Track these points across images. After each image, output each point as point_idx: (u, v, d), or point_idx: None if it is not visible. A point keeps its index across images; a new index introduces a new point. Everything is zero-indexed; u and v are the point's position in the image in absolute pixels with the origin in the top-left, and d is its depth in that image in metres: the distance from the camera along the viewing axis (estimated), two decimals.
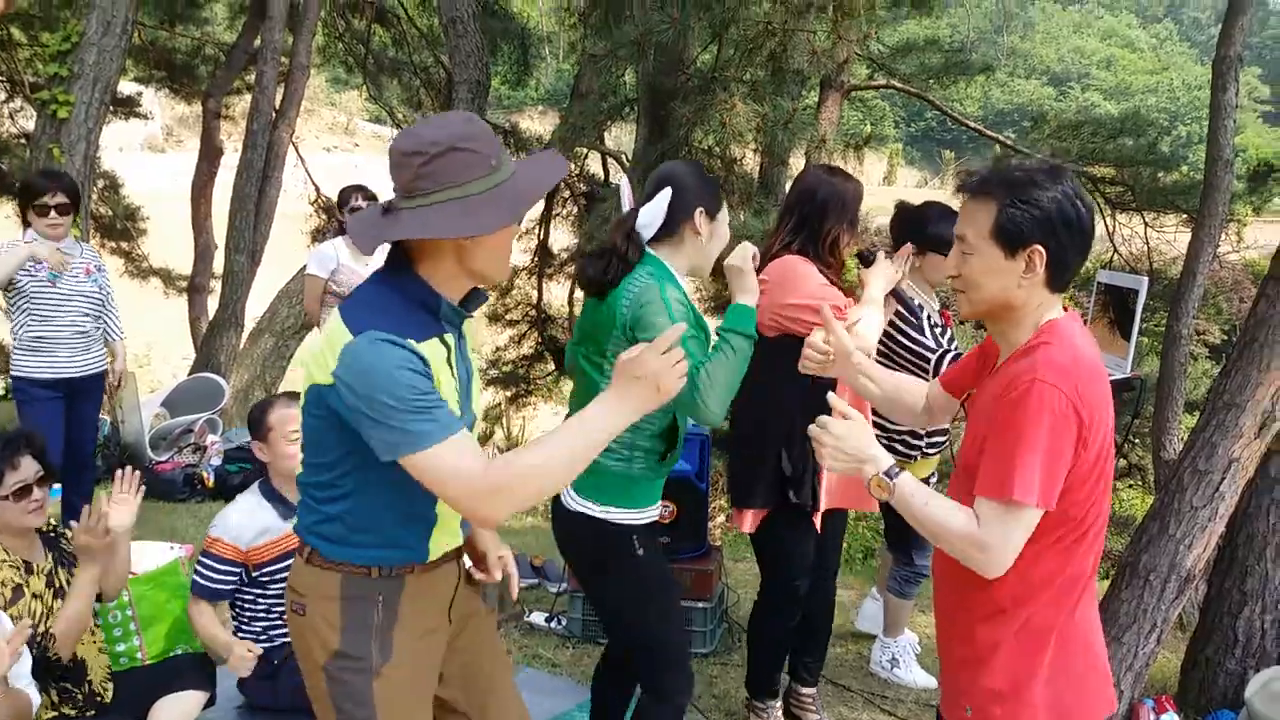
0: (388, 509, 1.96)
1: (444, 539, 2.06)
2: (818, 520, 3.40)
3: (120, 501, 3.04)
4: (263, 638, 3.26)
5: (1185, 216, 8.60)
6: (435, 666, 2.13)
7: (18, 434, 3.07)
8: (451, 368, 1.94)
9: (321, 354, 1.89)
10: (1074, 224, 1.88)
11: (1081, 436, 1.84)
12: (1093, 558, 1.98)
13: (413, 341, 1.83)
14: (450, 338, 1.94)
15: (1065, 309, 2.00)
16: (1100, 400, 1.87)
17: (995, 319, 2.00)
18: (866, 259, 3.35)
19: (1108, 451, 1.92)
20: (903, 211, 3.86)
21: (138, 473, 3.12)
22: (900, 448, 3.72)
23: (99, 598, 3.21)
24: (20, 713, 2.67)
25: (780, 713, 3.67)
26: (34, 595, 2.88)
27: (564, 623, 4.47)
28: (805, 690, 3.73)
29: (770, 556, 3.47)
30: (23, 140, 11.53)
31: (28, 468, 2.95)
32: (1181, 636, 4.49)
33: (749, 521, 3.41)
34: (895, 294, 3.59)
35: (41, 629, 2.83)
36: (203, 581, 3.15)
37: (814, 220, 3.27)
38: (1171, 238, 9.18)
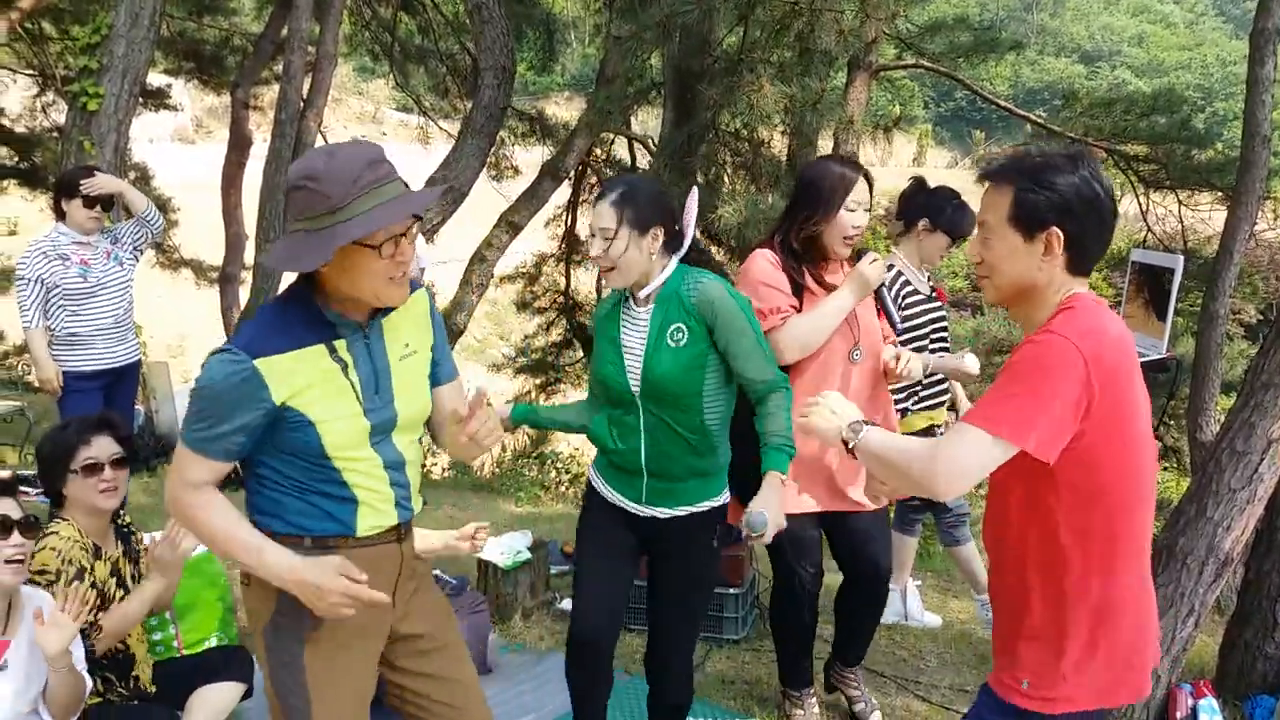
0: (294, 487, 2.16)
1: (372, 518, 2.20)
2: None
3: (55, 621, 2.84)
4: None
5: (1220, 194, 8.47)
6: (371, 639, 2.26)
7: (100, 415, 3.17)
8: (347, 367, 2.13)
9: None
10: (1091, 207, 1.92)
11: (1089, 391, 1.85)
12: (1134, 524, 1.98)
13: (267, 358, 2.04)
14: (343, 341, 2.14)
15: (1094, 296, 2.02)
16: (1120, 368, 1.89)
17: (1018, 303, 2.04)
18: (856, 256, 3.29)
19: (1131, 418, 1.92)
20: (914, 187, 4.11)
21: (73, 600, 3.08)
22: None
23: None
24: (79, 694, 2.72)
25: (815, 702, 3.66)
26: (92, 584, 2.92)
27: None
28: (848, 670, 3.72)
29: (770, 549, 3.46)
30: (55, 134, 11.65)
31: (103, 447, 3.02)
32: (1220, 620, 4.44)
33: (735, 513, 3.31)
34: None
35: (91, 618, 2.86)
36: None
37: (793, 209, 3.31)
38: (1207, 216, 9.04)
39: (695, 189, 3.03)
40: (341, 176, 2.01)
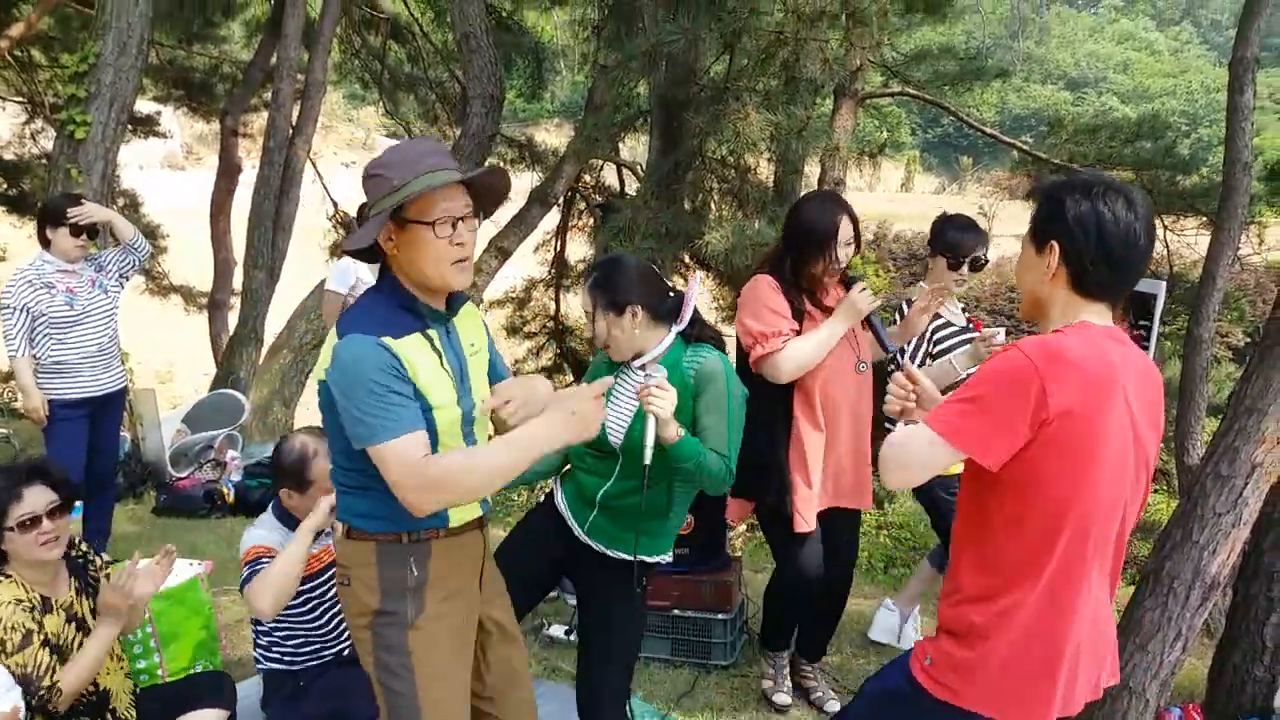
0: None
1: (462, 511, 2.31)
2: (804, 518, 3.62)
3: (146, 573, 2.97)
4: (288, 658, 3.26)
5: (1205, 219, 8.53)
6: (468, 621, 2.39)
7: (26, 464, 3.01)
8: (440, 357, 2.23)
9: (324, 357, 2.20)
10: (1094, 227, 1.97)
11: (1041, 411, 1.91)
12: (1072, 548, 2.01)
13: (389, 339, 2.12)
14: (434, 332, 2.24)
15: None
16: (1089, 399, 1.93)
17: (1035, 318, 2.13)
18: (847, 284, 3.62)
19: (1090, 451, 1.95)
20: (935, 220, 4.21)
21: (173, 550, 3.10)
22: None
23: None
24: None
25: (787, 668, 4.05)
26: (44, 641, 2.82)
27: None
28: (805, 665, 4.07)
29: (770, 544, 3.89)
30: (44, 161, 11.65)
31: (37, 498, 2.89)
32: (1209, 644, 4.43)
33: (732, 510, 3.90)
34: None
35: (47, 682, 2.77)
36: (260, 569, 3.06)
37: (789, 247, 3.66)
38: (1192, 240, 9.10)
39: (697, 278, 3.22)
40: (402, 162, 2.15)
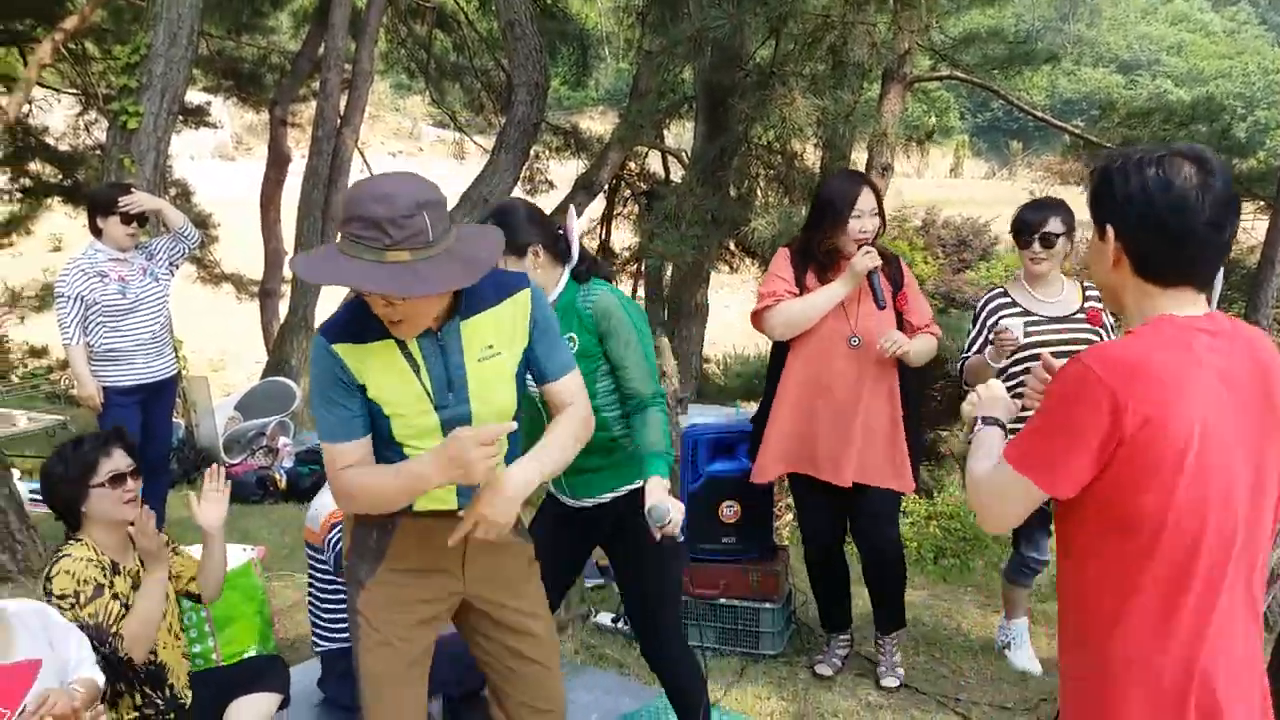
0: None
1: (427, 501, 2.33)
2: (757, 473, 3.87)
3: (210, 499, 3.16)
4: (340, 632, 3.30)
5: (1262, 204, 8.34)
6: (429, 600, 2.42)
7: (111, 430, 3.22)
8: (419, 367, 2.23)
9: None
10: (1143, 202, 1.75)
11: (1116, 428, 1.68)
12: (1165, 580, 1.74)
13: (342, 345, 2.19)
14: (414, 343, 2.22)
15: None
16: (1166, 399, 1.68)
17: (1115, 310, 1.95)
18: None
19: (1175, 461, 1.70)
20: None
21: (223, 469, 3.21)
22: None
23: (198, 598, 3.28)
24: (91, 696, 2.72)
25: (841, 648, 4.15)
26: (114, 595, 2.93)
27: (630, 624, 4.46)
28: (879, 638, 4.10)
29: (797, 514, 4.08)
30: (97, 151, 11.84)
31: (121, 459, 3.06)
32: (1269, 637, 4.34)
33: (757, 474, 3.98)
34: None
35: (115, 627, 2.88)
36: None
37: (811, 223, 3.81)
38: (1249, 226, 8.90)
39: (572, 208, 3.17)
40: (350, 202, 2.06)
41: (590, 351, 2.86)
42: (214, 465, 3.20)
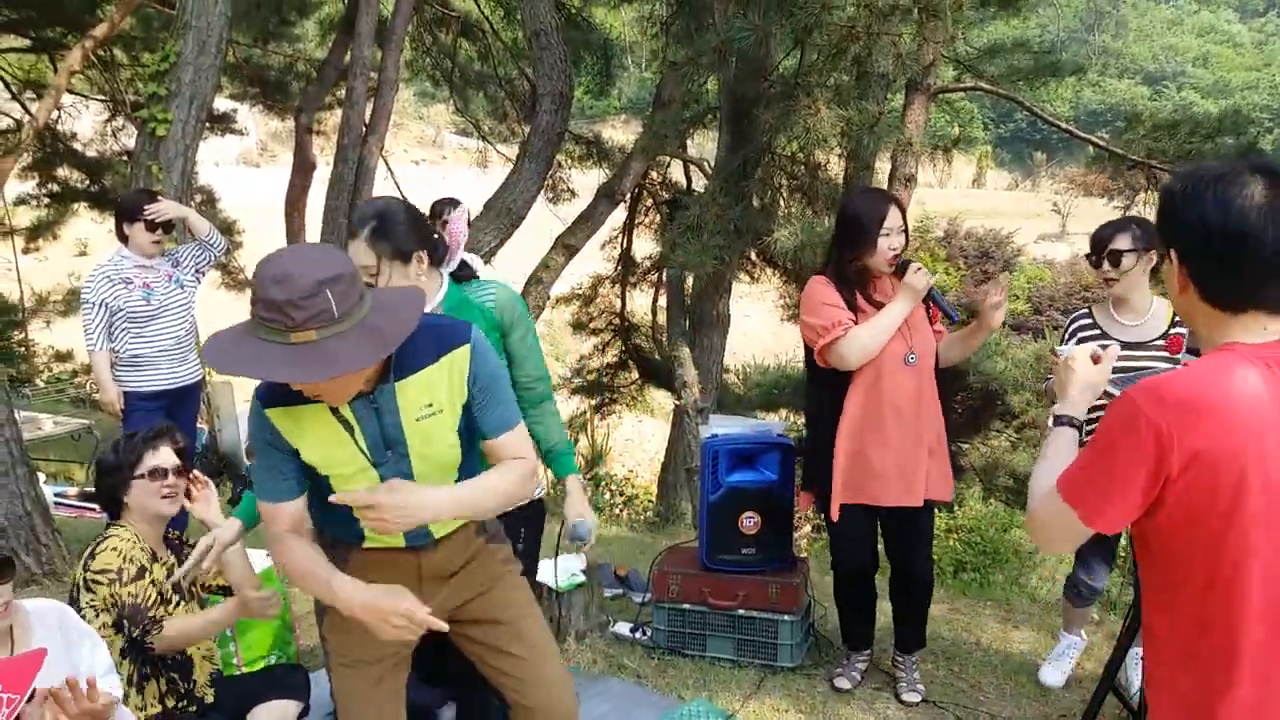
0: (320, 504, 2.30)
1: (378, 540, 2.38)
2: (834, 510, 3.77)
3: (199, 500, 3.17)
4: None
5: None
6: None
7: (166, 426, 3.30)
8: (353, 429, 2.22)
9: None
10: (1200, 225, 1.67)
11: (1164, 464, 1.61)
12: (1233, 621, 1.66)
13: (274, 409, 2.20)
14: (345, 407, 2.20)
15: None
16: (1214, 435, 1.60)
17: (1195, 333, 1.82)
18: (901, 269, 3.67)
19: (1235, 504, 1.61)
20: None
21: (204, 481, 3.24)
22: None
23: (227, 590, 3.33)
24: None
25: (861, 665, 4.15)
26: (151, 581, 3.03)
27: (649, 633, 4.45)
28: (899, 656, 4.10)
29: (829, 534, 4.00)
30: (124, 158, 11.95)
31: (168, 456, 3.17)
32: None
33: (802, 501, 4.03)
34: None
35: (153, 614, 2.95)
36: None
37: (839, 244, 3.78)
38: None
39: (460, 208, 3.10)
40: (253, 282, 2.04)
41: (498, 347, 2.87)
42: (192, 473, 3.22)
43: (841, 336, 3.62)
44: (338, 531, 2.37)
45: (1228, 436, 1.60)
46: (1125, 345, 3.64)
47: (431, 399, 2.26)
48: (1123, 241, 3.68)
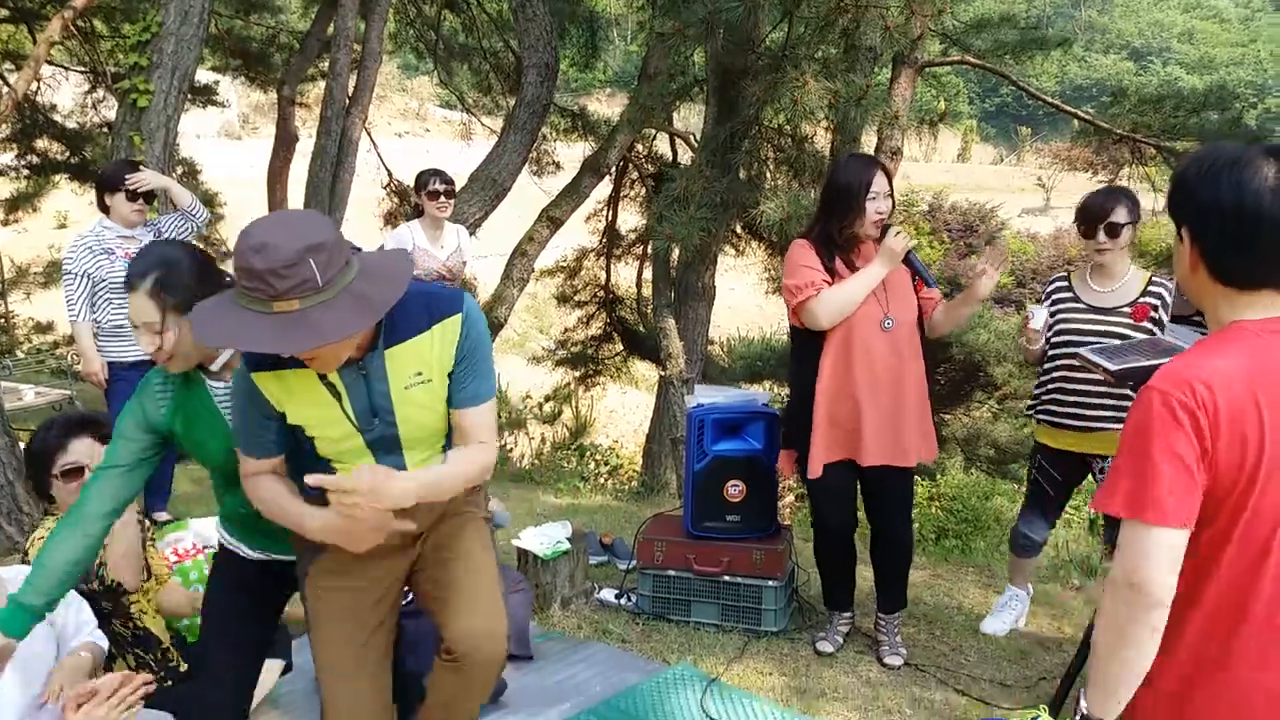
0: (302, 467, 2.31)
1: None
2: (812, 468, 3.82)
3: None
4: None
5: None
6: (365, 581, 2.45)
7: (79, 416, 3.12)
8: (340, 396, 2.22)
9: None
10: (1214, 207, 1.70)
11: (1203, 442, 1.65)
12: (1266, 602, 1.71)
13: (260, 374, 2.20)
14: (334, 373, 2.20)
15: None
16: (1248, 402, 1.65)
17: (1202, 311, 1.85)
18: (883, 232, 3.75)
19: (1252, 472, 1.67)
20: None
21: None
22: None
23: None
24: (97, 662, 2.76)
25: (843, 627, 4.22)
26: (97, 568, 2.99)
27: (634, 599, 4.50)
28: (881, 617, 4.15)
29: (809, 494, 4.04)
30: (105, 129, 11.84)
31: (82, 450, 2.99)
32: None
33: (782, 461, 4.07)
34: None
35: (98, 561, 2.95)
36: None
37: (825, 209, 3.82)
38: None
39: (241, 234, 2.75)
40: (234, 252, 2.00)
41: None
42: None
43: (813, 296, 3.70)
44: (316, 494, 2.29)
45: (1250, 403, 1.65)
46: (1095, 310, 3.87)
47: (421, 367, 2.26)
48: (1120, 214, 3.80)
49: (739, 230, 9.81)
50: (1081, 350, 3.14)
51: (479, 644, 2.40)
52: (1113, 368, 2.96)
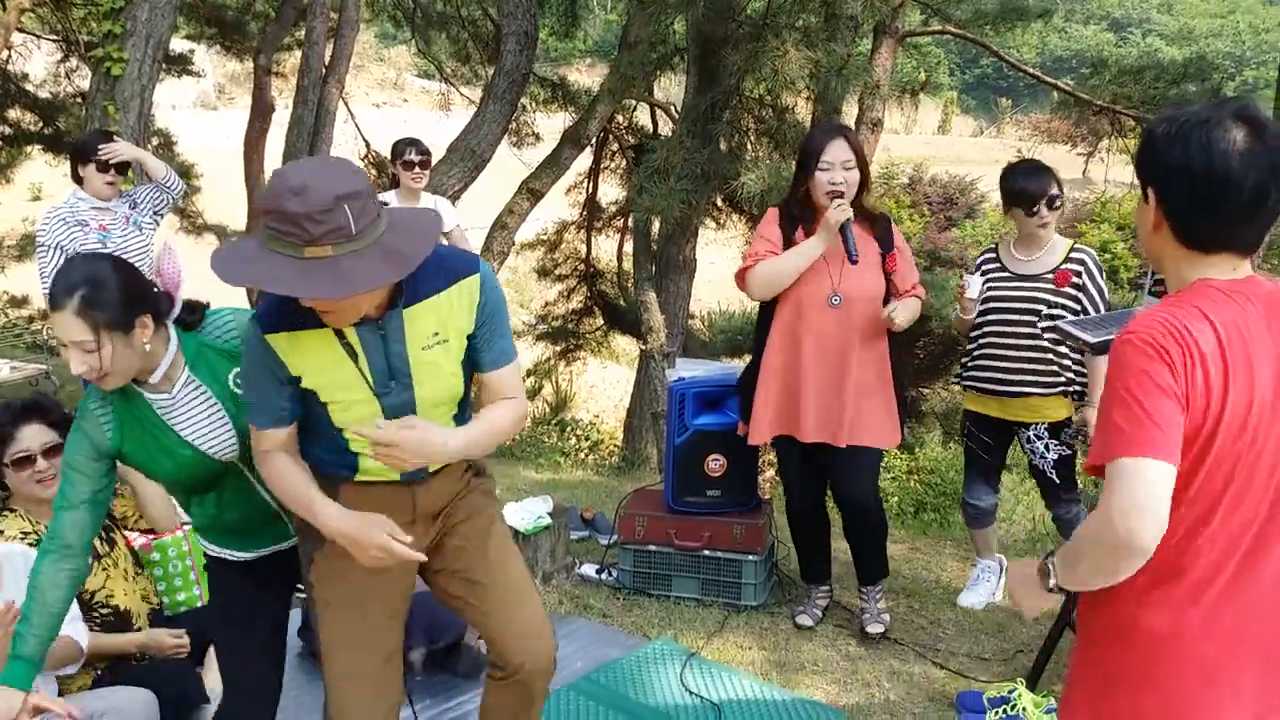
0: (314, 436, 2.29)
1: (373, 473, 2.31)
2: (752, 435, 3.88)
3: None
4: None
5: None
6: (383, 574, 2.34)
7: (22, 402, 3.05)
8: (357, 356, 2.17)
9: None
10: (1184, 168, 1.69)
11: (1176, 376, 1.64)
12: (1215, 556, 1.72)
13: (275, 334, 2.14)
14: (352, 331, 2.15)
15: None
16: (1216, 355, 1.66)
17: (1158, 270, 1.85)
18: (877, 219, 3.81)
19: (1234, 421, 1.66)
20: (1004, 168, 4.12)
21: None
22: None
23: (153, 531, 3.29)
24: (69, 655, 2.74)
25: (821, 600, 4.23)
26: None
27: (614, 574, 4.50)
28: (863, 588, 4.11)
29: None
30: (78, 99, 11.67)
31: (33, 436, 2.94)
32: None
33: (740, 429, 4.05)
34: None
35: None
36: None
37: (794, 177, 3.82)
38: None
39: (167, 245, 2.57)
40: (266, 194, 1.96)
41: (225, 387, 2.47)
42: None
43: (751, 267, 3.71)
44: (328, 464, 2.31)
45: (1218, 356, 1.66)
46: (1019, 277, 4.01)
47: (439, 327, 2.22)
48: (1054, 188, 3.96)
49: (719, 203, 9.79)
50: (1060, 323, 3.15)
51: (529, 653, 2.43)
52: (1091, 340, 2.97)
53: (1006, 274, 4.04)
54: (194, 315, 2.46)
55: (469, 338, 2.27)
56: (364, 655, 2.35)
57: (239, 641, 2.59)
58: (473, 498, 2.50)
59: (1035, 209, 3.94)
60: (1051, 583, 1.82)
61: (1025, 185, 3.95)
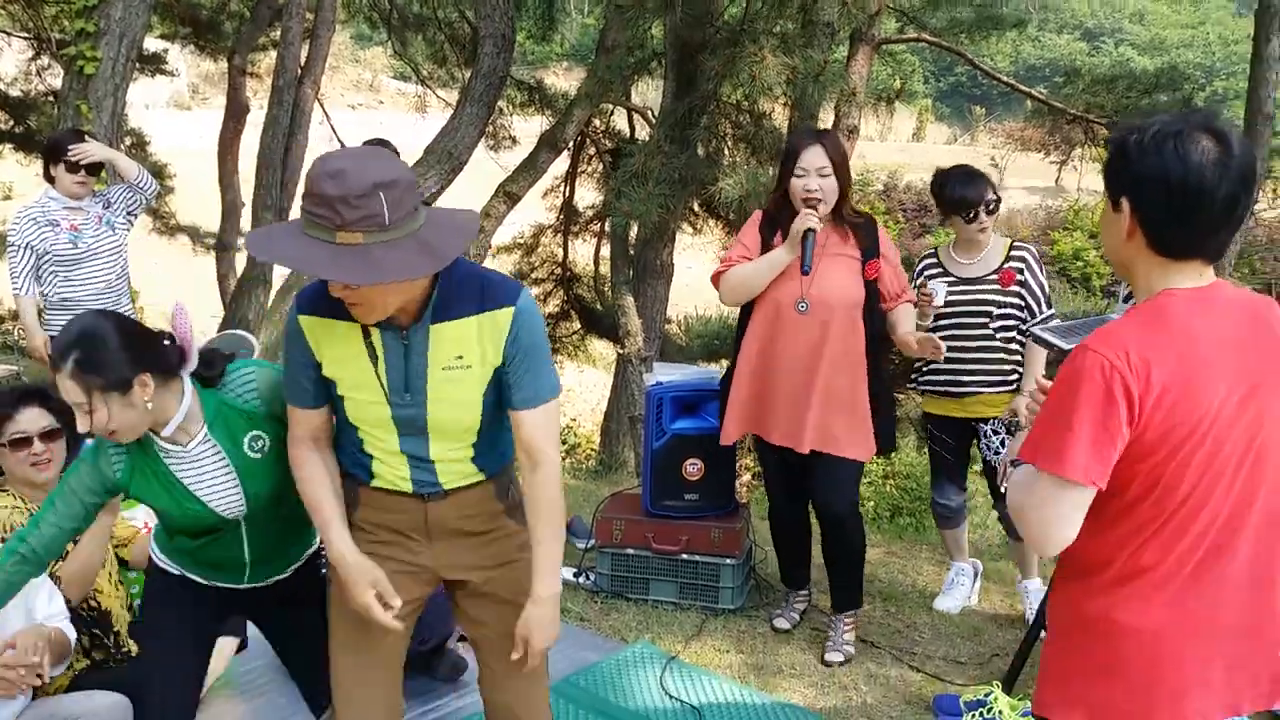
0: (343, 439, 2.33)
1: (385, 483, 2.30)
2: (724, 435, 3.91)
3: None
4: None
5: None
6: (389, 554, 2.34)
7: (27, 386, 3.10)
8: (377, 359, 2.17)
9: None
10: (1161, 179, 1.72)
11: (1133, 407, 1.69)
12: (1180, 553, 1.77)
13: (309, 316, 2.18)
14: (377, 333, 2.16)
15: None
16: (1178, 373, 1.70)
17: (1124, 277, 1.89)
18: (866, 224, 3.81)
19: (1196, 433, 1.72)
20: (935, 175, 4.18)
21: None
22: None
23: (127, 565, 3.26)
24: (64, 650, 2.72)
25: (798, 605, 4.24)
26: None
27: (593, 578, 4.49)
28: (833, 614, 4.04)
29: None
30: (50, 98, 11.56)
31: (32, 419, 2.97)
32: None
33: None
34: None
35: (52, 569, 2.86)
36: None
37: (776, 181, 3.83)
38: None
39: (179, 305, 2.50)
40: (307, 177, 1.97)
41: (278, 438, 2.44)
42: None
43: (723, 272, 3.75)
44: (349, 464, 2.33)
45: (1185, 369, 1.70)
46: (964, 280, 4.04)
47: (463, 350, 2.17)
48: (990, 193, 4.03)
49: (696, 208, 9.79)
50: (1034, 329, 3.18)
51: None
52: (1065, 346, 2.99)
53: (951, 278, 4.07)
54: (212, 370, 2.42)
55: (497, 370, 2.21)
56: (370, 644, 2.35)
57: (164, 650, 2.62)
58: (507, 546, 2.41)
59: (974, 215, 3.99)
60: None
61: (964, 193, 3.99)
